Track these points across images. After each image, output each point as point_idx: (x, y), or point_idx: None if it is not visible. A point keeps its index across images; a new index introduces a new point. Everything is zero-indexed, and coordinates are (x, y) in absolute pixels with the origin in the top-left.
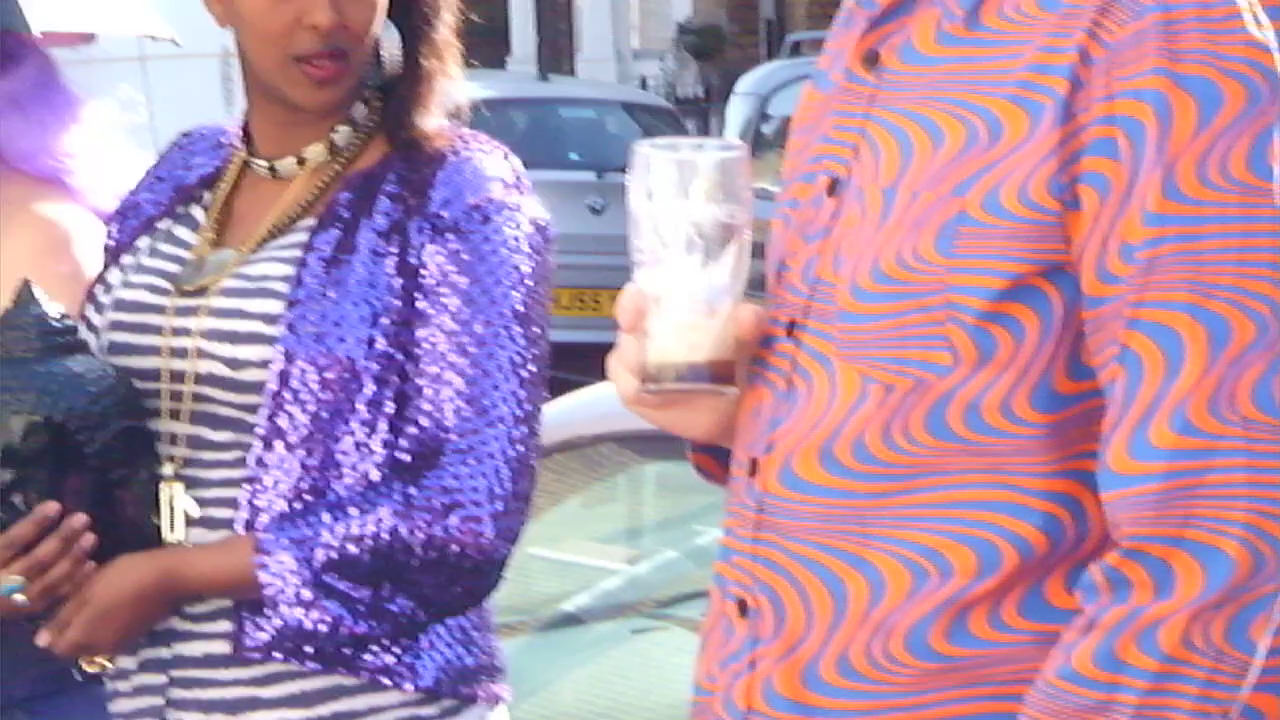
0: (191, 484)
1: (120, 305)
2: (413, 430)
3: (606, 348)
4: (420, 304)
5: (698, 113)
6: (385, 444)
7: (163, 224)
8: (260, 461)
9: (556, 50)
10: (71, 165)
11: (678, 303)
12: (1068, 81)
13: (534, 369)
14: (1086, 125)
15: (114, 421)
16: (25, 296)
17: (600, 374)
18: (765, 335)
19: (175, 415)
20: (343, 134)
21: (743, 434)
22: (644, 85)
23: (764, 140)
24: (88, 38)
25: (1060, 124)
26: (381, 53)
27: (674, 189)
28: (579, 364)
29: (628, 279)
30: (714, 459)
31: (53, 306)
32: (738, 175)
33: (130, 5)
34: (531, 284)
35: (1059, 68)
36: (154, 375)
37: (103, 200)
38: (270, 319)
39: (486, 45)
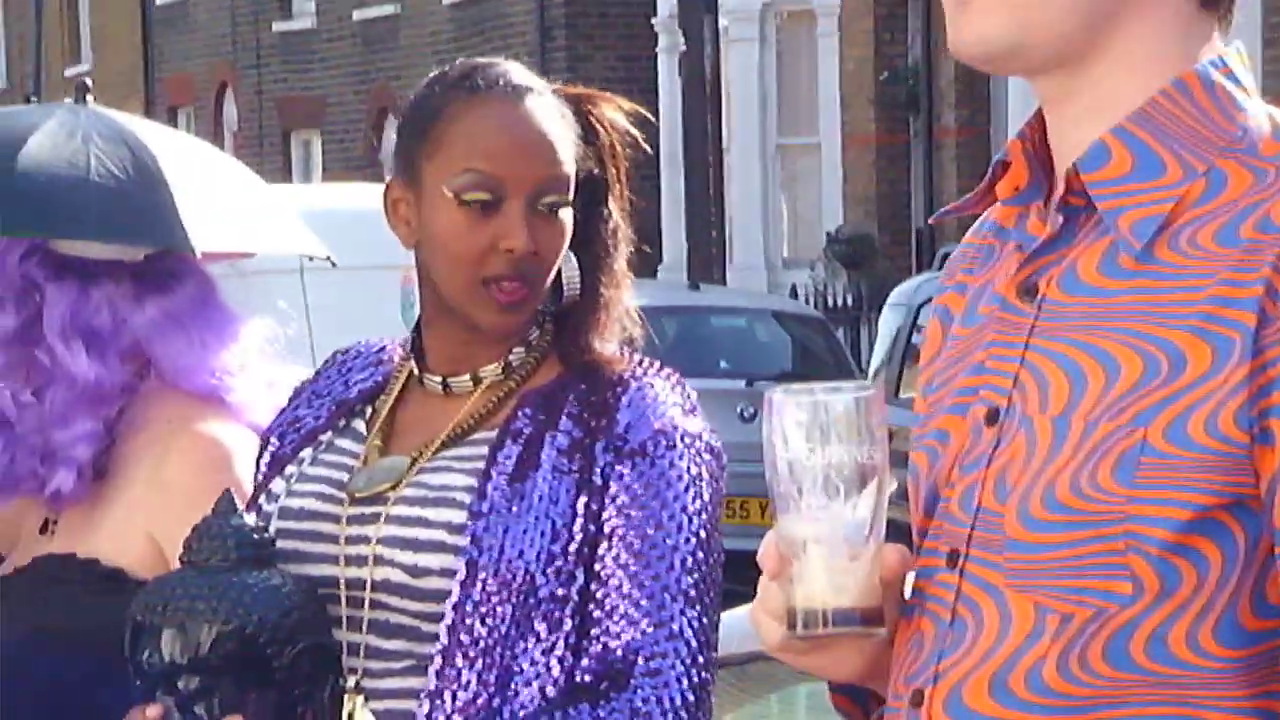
0: (366, 695)
1: (287, 513)
2: (595, 650)
3: (755, 556)
4: (603, 525)
5: (848, 322)
6: (561, 663)
7: (324, 436)
8: (439, 674)
9: (707, 258)
10: (230, 383)
11: (821, 548)
12: (1255, 315)
13: (713, 594)
14: (1275, 360)
15: (303, 637)
16: (224, 507)
17: (750, 583)
18: (922, 566)
19: (351, 624)
20: (517, 354)
21: (902, 666)
22: (794, 294)
23: (915, 351)
24: (246, 254)
25: (1249, 357)
26: (563, 280)
27: (810, 434)
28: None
29: None
30: (852, 700)
31: (250, 518)
32: (872, 415)
33: (287, 224)
34: (710, 509)
35: (1244, 301)
36: (329, 583)
37: (261, 416)
38: (454, 528)
39: (638, 254)
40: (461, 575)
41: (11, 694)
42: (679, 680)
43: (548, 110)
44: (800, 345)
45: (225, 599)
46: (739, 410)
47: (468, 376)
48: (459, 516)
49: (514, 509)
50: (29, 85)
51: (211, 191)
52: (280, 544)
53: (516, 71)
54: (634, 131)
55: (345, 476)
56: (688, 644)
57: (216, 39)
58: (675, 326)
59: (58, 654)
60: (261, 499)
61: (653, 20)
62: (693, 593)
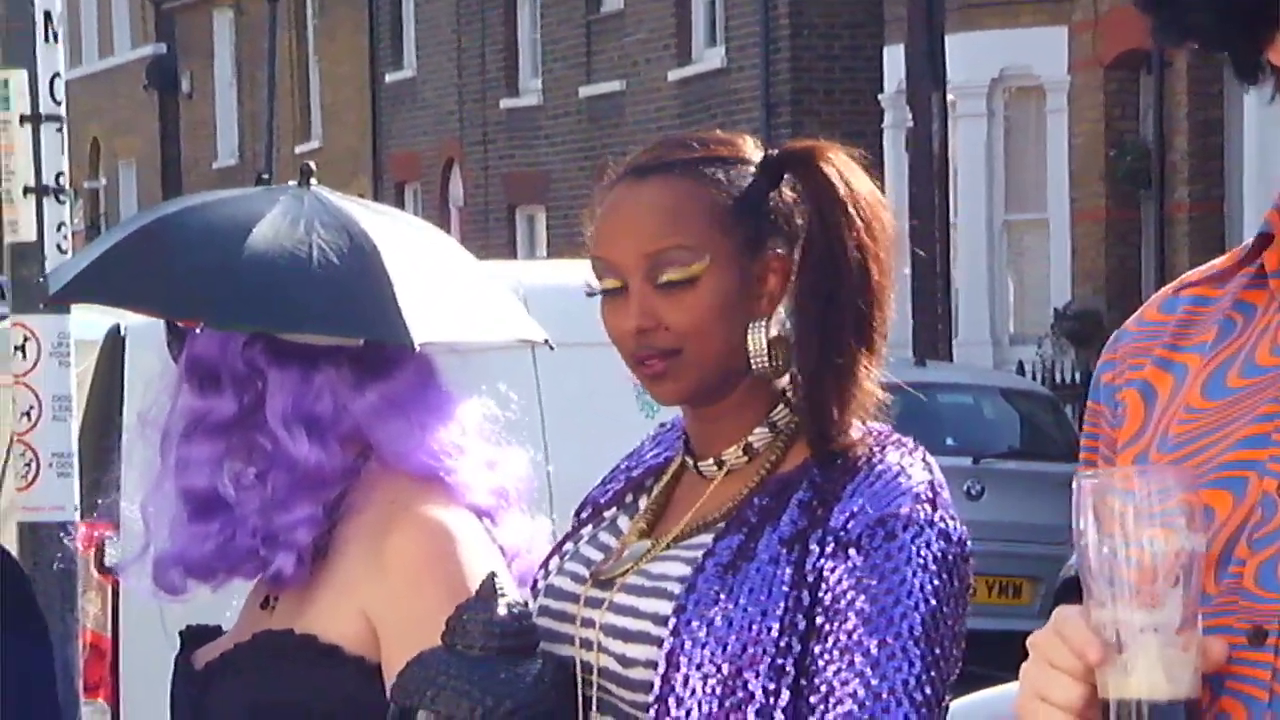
0: None
1: (550, 591)
2: None
3: (981, 636)
4: (815, 619)
5: (1076, 399)
6: None
7: (609, 513)
8: None
9: (933, 335)
10: (449, 464)
11: (1157, 636)
12: None
13: (930, 691)
14: None
15: None
16: (487, 591)
17: (981, 661)
18: None
19: (589, 705)
20: (760, 436)
21: None
22: (1021, 370)
23: None
24: None
25: None
26: (748, 352)
27: (1123, 521)
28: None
29: (1004, 565)
30: None
31: (512, 596)
32: (1181, 498)
33: (506, 309)
34: (935, 603)
35: None
36: (572, 664)
37: (481, 497)
38: (659, 620)
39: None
40: (662, 668)
41: None
42: None
43: (670, 184)
44: (1028, 422)
45: (487, 690)
46: (965, 488)
47: (713, 460)
48: (666, 608)
49: (723, 600)
50: (260, 162)
51: (430, 281)
52: (539, 620)
53: (658, 151)
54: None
55: (601, 558)
56: None
57: (444, 116)
58: (900, 403)
59: None
60: (539, 574)
61: (879, 96)
62: (901, 690)
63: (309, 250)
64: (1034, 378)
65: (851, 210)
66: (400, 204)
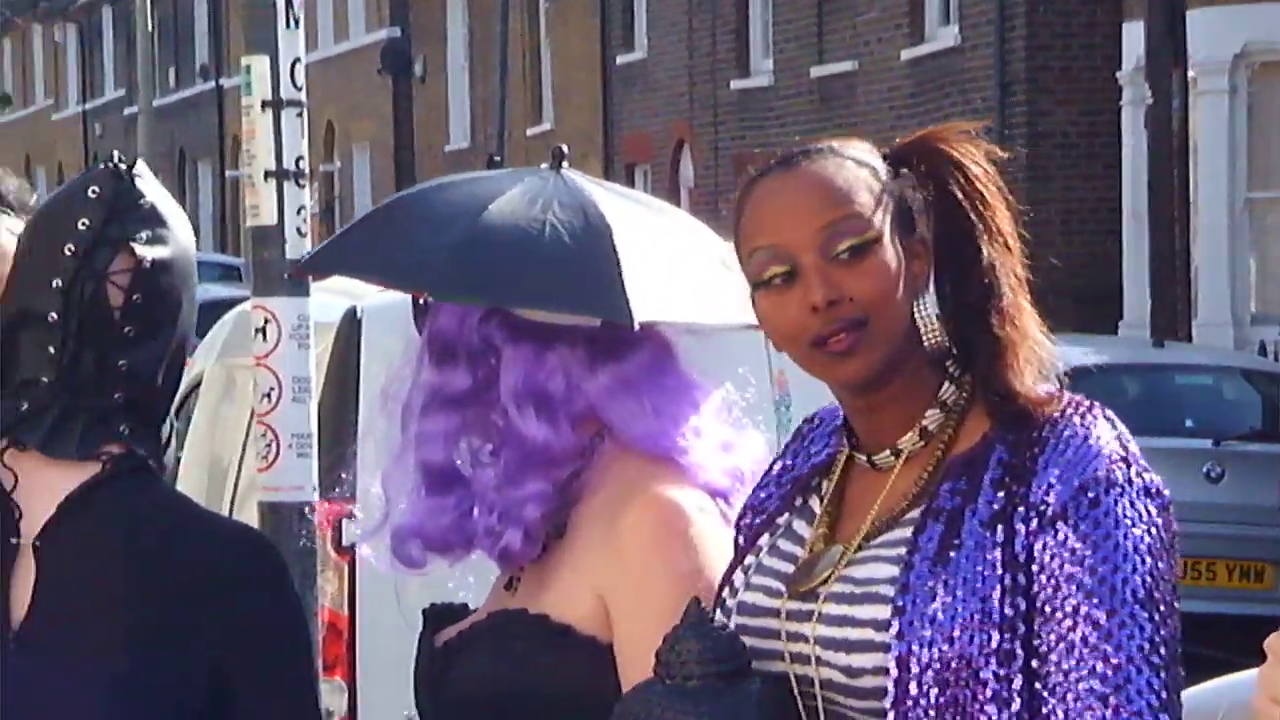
0: None
1: (744, 609)
2: None
3: (1221, 620)
4: (1035, 598)
5: None
6: None
7: (781, 519)
8: None
9: (1172, 315)
10: (684, 445)
11: None
12: None
13: (1165, 652)
14: None
15: None
16: (694, 618)
17: (1220, 646)
18: None
19: (815, 717)
20: (932, 418)
21: None
22: (1262, 350)
23: None
24: None
25: None
26: (919, 327)
27: None
28: (1194, 635)
29: (1245, 548)
30: None
31: (721, 630)
32: None
33: (734, 292)
34: (1151, 560)
35: None
36: (786, 679)
37: (715, 478)
38: (879, 625)
39: (1098, 311)
40: (895, 673)
41: None
42: None
43: (822, 166)
44: (1270, 404)
45: (708, 719)
46: (1205, 470)
47: (889, 451)
48: (884, 612)
49: (940, 595)
50: (492, 145)
51: (663, 263)
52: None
53: (803, 146)
54: (996, 150)
55: (790, 568)
56: (1140, 714)
57: (674, 97)
58: (1137, 385)
59: (509, 707)
60: (725, 593)
61: (1118, 74)
62: (1139, 657)
63: (542, 228)
64: (1276, 359)
65: (970, 186)
66: (630, 186)
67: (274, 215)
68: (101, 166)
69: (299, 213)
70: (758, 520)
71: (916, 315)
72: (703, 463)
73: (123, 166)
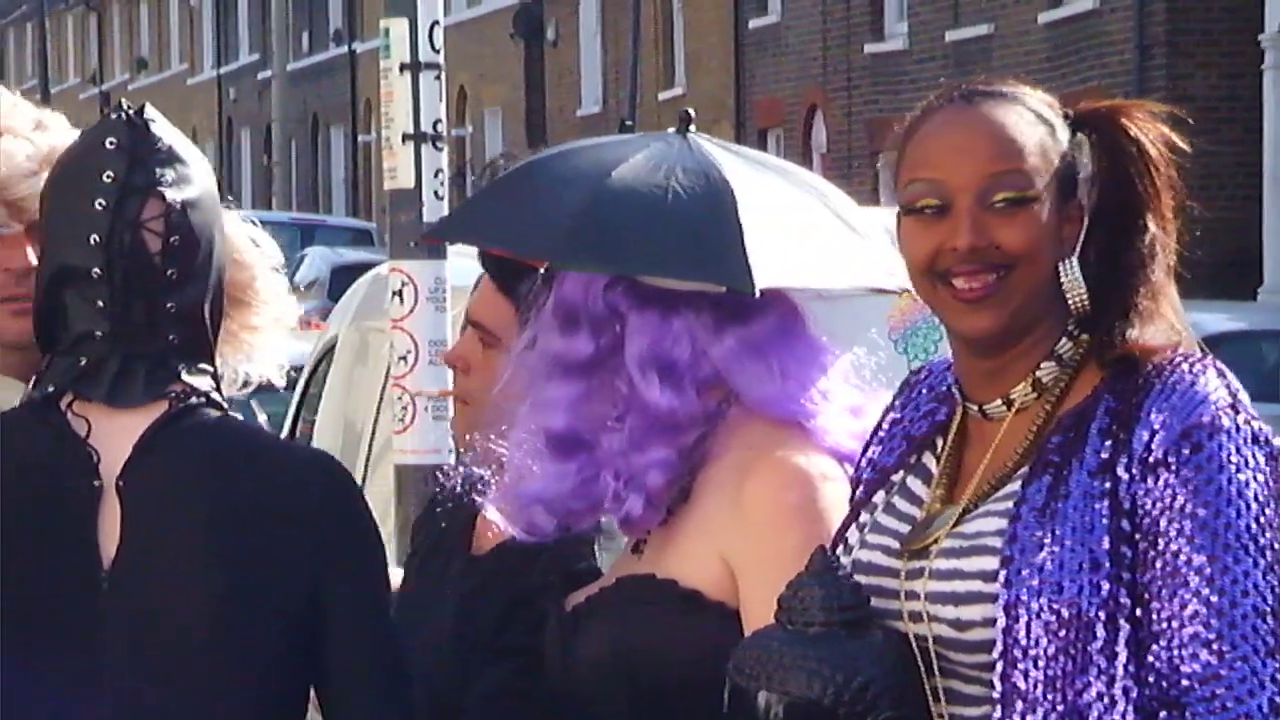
0: None
1: (859, 567)
2: (1153, 679)
3: None
4: (1141, 545)
5: None
6: (1126, 692)
7: (896, 477)
8: None
9: None
10: (811, 409)
11: None
12: None
13: (1272, 596)
14: None
15: (883, 710)
16: (819, 566)
17: None
18: None
19: (929, 673)
20: (1047, 370)
21: None
22: None
23: None
24: None
25: None
26: (1063, 288)
27: None
28: None
29: None
30: None
31: (845, 579)
32: None
33: (866, 256)
34: (1256, 506)
35: None
36: (906, 635)
37: (843, 441)
38: (988, 577)
39: (1237, 277)
40: (1002, 624)
41: (591, 708)
42: (1241, 700)
43: (1003, 113)
44: None
45: (837, 667)
46: None
47: (1000, 401)
48: (992, 564)
49: (1047, 545)
50: (624, 110)
51: (787, 227)
52: None
53: (987, 84)
54: (1173, 137)
55: (908, 529)
56: (1247, 658)
57: (807, 61)
58: (1276, 352)
59: (639, 672)
60: (839, 549)
61: (1260, 37)
62: (1246, 604)
63: (665, 194)
64: None
65: (1146, 166)
66: (762, 150)
67: (411, 178)
68: (114, 117)
69: (436, 175)
70: (871, 475)
71: (1063, 275)
72: (829, 426)
73: (134, 112)
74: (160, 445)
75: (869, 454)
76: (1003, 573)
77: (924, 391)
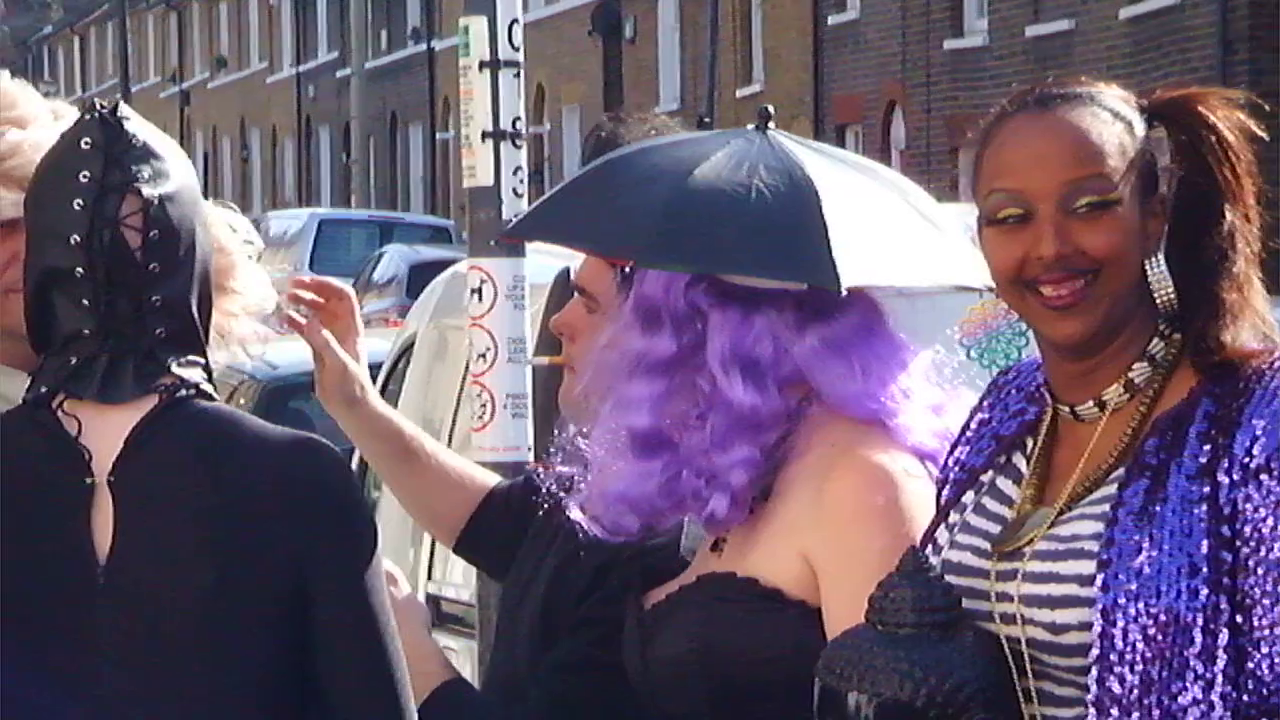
0: None
1: (948, 568)
2: (1252, 685)
3: None
4: (1242, 551)
5: None
6: (1224, 699)
7: (985, 477)
8: None
9: None
10: (893, 407)
11: None
12: None
13: None
14: None
15: (975, 712)
16: (909, 567)
17: None
18: None
19: (1022, 675)
20: (1140, 371)
21: None
22: None
23: None
24: None
25: None
26: (1150, 286)
27: None
28: None
29: None
30: None
31: (936, 580)
32: None
33: (947, 255)
34: None
35: None
36: (998, 637)
37: (925, 439)
38: (1084, 580)
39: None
40: (1099, 628)
41: (670, 706)
42: None
43: (1078, 115)
44: None
45: (929, 669)
46: None
47: (1092, 402)
48: (1088, 567)
49: (1145, 549)
50: (702, 106)
51: (870, 226)
52: None
53: (1061, 86)
54: (1250, 125)
55: (998, 529)
56: None
57: (886, 57)
58: None
59: (719, 670)
60: (929, 549)
61: None
62: None
63: (748, 192)
64: None
65: (1223, 153)
66: (841, 147)
67: (490, 176)
68: (86, 117)
69: (515, 173)
70: (960, 475)
71: (1149, 272)
72: (911, 425)
73: (106, 112)
74: (150, 440)
75: (956, 454)
76: (1100, 576)
77: (1013, 392)
